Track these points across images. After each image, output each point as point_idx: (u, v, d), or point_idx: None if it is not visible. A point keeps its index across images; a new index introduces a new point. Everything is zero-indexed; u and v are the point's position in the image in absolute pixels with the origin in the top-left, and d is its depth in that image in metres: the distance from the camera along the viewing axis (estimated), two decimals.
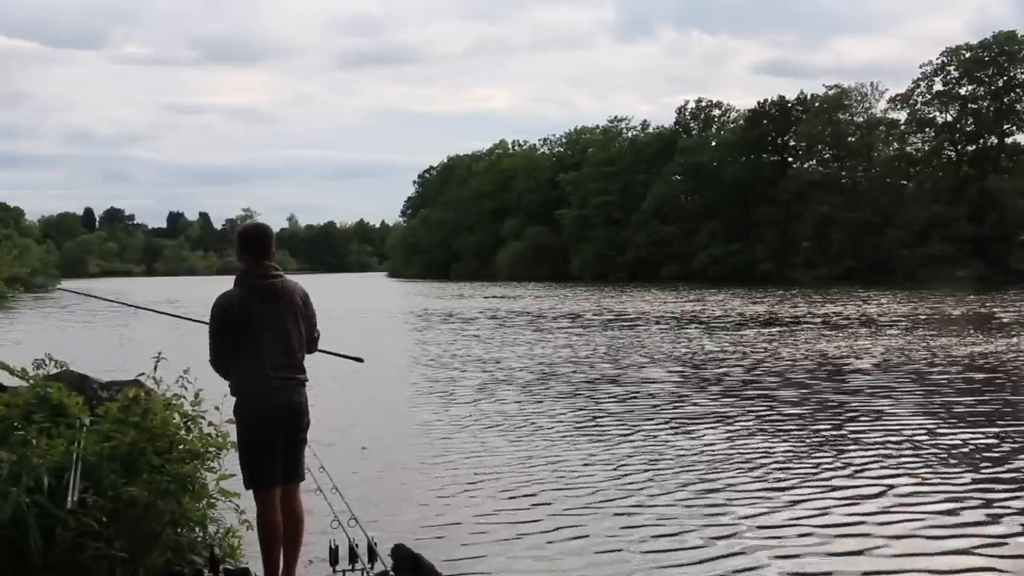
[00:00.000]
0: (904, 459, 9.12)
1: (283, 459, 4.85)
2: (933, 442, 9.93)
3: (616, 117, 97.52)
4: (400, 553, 5.17)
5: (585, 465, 9.07)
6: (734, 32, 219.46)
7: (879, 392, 13.69)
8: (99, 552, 4.52)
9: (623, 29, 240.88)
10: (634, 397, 13.59)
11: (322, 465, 5.56)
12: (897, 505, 7.51)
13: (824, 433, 10.62)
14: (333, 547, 4.82)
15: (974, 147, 72.23)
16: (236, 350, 4.82)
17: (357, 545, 4.86)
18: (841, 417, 11.61)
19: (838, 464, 8.99)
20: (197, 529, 5.19)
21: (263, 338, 4.81)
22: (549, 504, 7.61)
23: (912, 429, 10.64)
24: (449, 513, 7.35)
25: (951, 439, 10.09)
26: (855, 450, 9.61)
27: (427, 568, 5.16)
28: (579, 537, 6.74)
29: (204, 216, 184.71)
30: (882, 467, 8.82)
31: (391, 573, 4.92)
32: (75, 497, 4.38)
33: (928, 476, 8.42)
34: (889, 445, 9.81)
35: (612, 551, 6.43)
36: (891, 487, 8.08)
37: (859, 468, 8.80)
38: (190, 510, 5.11)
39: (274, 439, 4.81)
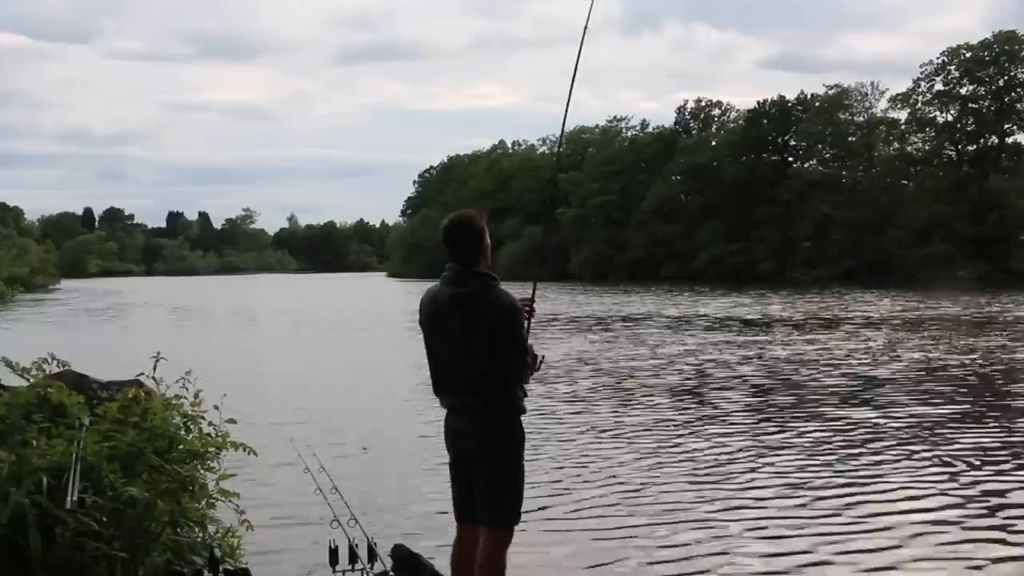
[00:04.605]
0: None
1: None
2: None
3: (616, 117, 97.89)
4: (400, 553, 5.17)
5: (584, 464, 9.07)
6: (741, 26, 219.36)
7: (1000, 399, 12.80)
8: (99, 552, 4.51)
9: (628, 24, 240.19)
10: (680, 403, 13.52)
11: (322, 465, 5.55)
12: None
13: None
14: (333, 547, 4.81)
15: (975, 147, 72.27)
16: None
17: (357, 545, 4.85)
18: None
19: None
20: (197, 529, 5.18)
21: None
22: (549, 504, 7.59)
23: None
24: (449, 513, 7.31)
25: None
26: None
27: (427, 568, 5.15)
28: (585, 539, 6.73)
29: (204, 216, 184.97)
30: None
31: (391, 573, 4.91)
32: (74, 497, 4.37)
33: None
34: None
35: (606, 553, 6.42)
36: None
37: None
38: (190, 510, 5.10)
39: None
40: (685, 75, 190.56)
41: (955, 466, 8.77)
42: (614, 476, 8.60)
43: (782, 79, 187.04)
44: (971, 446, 9.69)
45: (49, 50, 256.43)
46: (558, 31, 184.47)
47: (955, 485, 8.09)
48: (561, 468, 8.95)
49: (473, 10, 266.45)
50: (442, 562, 5.02)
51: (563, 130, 5.83)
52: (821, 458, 9.23)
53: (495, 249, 4.52)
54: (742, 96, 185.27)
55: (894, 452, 9.42)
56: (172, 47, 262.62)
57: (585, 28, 5.16)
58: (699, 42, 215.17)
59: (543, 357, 4.53)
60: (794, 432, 10.63)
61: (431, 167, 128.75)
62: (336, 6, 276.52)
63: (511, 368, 4.27)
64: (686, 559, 6.25)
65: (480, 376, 4.27)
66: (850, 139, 76.92)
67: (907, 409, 12.04)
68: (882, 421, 11.19)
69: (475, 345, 4.24)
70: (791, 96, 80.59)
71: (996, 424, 11.02)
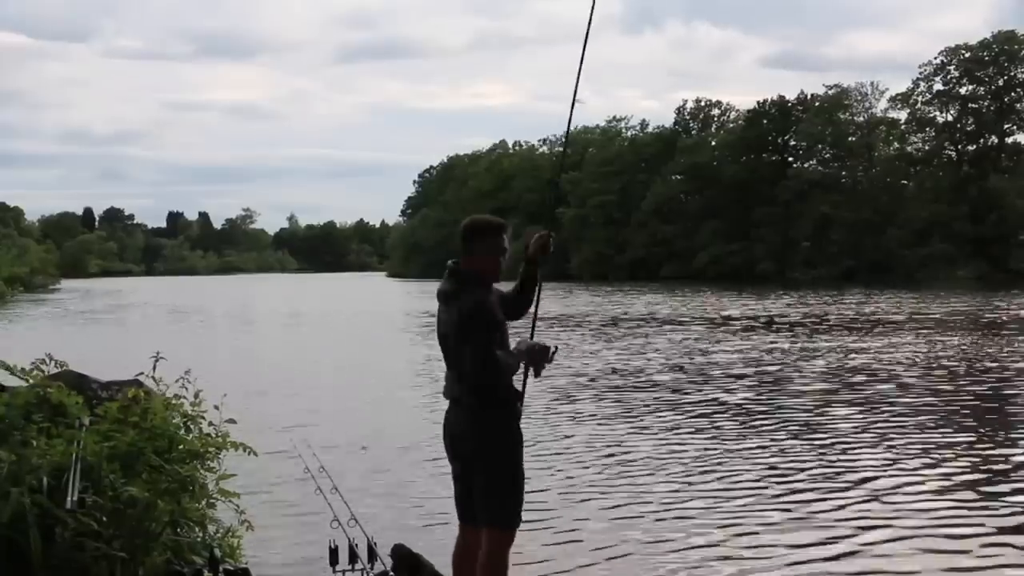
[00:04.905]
0: None
1: None
2: None
3: (616, 117, 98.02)
4: (400, 553, 5.17)
5: (584, 461, 9.07)
6: (742, 25, 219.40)
7: None
8: (99, 552, 4.51)
9: (629, 22, 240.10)
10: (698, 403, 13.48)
11: (322, 465, 5.55)
12: None
13: None
14: (333, 547, 4.81)
15: (974, 147, 72.35)
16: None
17: (357, 545, 4.85)
18: None
19: None
20: (197, 529, 5.18)
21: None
22: (545, 505, 7.59)
23: None
24: (450, 513, 7.31)
25: None
26: None
27: (427, 568, 5.15)
28: (589, 542, 6.73)
29: (204, 216, 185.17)
30: None
31: (391, 573, 4.91)
32: (75, 497, 4.37)
33: None
34: None
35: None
36: None
37: None
38: (190, 510, 5.10)
39: None
40: (686, 74, 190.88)
41: None
42: (627, 480, 8.55)
43: (783, 78, 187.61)
44: None
45: (49, 50, 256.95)
46: (559, 30, 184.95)
47: None
48: (576, 471, 8.92)
49: (473, 9, 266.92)
50: (442, 561, 5.02)
51: (568, 132, 5.71)
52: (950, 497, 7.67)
53: None
54: (743, 95, 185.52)
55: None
56: (172, 46, 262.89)
57: (588, 30, 5.14)
58: (700, 41, 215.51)
59: (555, 348, 4.50)
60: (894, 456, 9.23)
61: (431, 167, 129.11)
62: (336, 5, 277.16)
63: (471, 369, 4.26)
64: (698, 566, 6.17)
65: (463, 374, 4.36)
66: (850, 139, 76.99)
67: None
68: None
69: (456, 342, 4.35)
70: (791, 96, 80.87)
71: None
